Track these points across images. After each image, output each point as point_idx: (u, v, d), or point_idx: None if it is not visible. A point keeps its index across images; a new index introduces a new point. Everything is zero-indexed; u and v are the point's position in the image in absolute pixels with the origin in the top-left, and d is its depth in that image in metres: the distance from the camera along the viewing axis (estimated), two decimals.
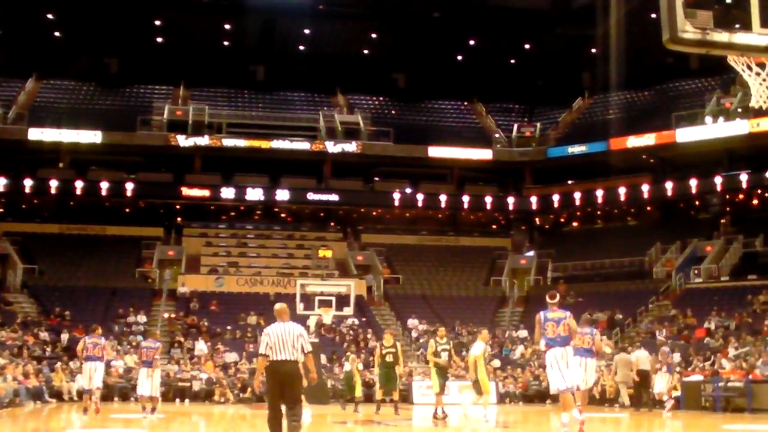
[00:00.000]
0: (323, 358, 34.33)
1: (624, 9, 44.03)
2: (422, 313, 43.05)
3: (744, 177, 45.22)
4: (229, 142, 48.74)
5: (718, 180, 45.75)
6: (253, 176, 49.55)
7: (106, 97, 53.63)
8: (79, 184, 47.11)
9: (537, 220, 53.60)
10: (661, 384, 26.01)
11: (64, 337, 36.35)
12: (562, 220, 53.81)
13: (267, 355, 11.58)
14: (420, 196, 50.35)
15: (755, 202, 48.18)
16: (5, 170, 46.70)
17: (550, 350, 14.13)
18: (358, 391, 26.35)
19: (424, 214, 52.32)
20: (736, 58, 9.94)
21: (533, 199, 51.47)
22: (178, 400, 32.23)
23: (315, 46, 53.76)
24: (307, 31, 52.78)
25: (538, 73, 56.48)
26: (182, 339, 37.58)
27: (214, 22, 51.42)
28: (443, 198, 50.65)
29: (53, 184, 46.95)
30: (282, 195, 49.31)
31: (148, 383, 21.65)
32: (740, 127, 44.09)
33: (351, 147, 49.73)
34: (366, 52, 54.92)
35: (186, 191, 48.45)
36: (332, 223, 52.24)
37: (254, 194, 48.96)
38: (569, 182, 51.38)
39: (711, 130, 45.34)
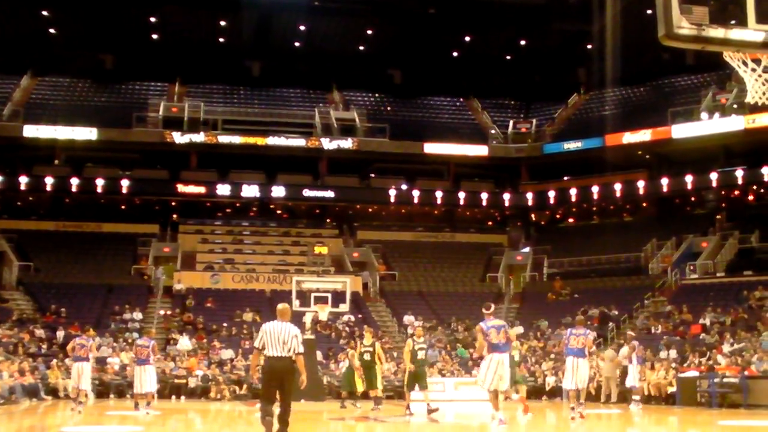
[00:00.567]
0: (319, 355, 34.31)
1: (620, 5, 44.00)
2: (418, 309, 43.05)
3: (740, 173, 45.31)
4: (224, 138, 48.72)
5: (713, 176, 45.79)
6: (248, 173, 49.46)
7: (101, 94, 53.53)
8: (74, 181, 47.01)
9: (533, 216, 53.60)
10: (632, 377, 25.93)
11: (60, 334, 36.26)
12: (558, 216, 53.84)
13: (261, 349, 12.32)
14: (416, 193, 50.36)
15: (751, 197, 48.25)
16: (0, 167, 46.62)
17: (493, 354, 15.51)
18: (360, 386, 26.35)
19: (420, 210, 52.35)
20: (732, 54, 9.93)
21: (529, 196, 51.44)
22: (174, 397, 32.16)
23: (311, 42, 53.69)
24: (302, 27, 52.70)
25: (534, 68, 56.46)
26: (178, 336, 37.49)
27: (209, 19, 51.32)
28: (439, 194, 50.74)
29: (49, 181, 46.85)
30: (278, 192, 49.26)
31: (143, 380, 21.95)
32: (736, 123, 44.11)
33: (347, 143, 49.76)
34: (362, 48, 54.86)
35: (182, 188, 48.37)
36: (328, 220, 52.26)
37: (250, 191, 48.92)
38: (565, 178, 51.43)
39: (707, 126, 45.39)
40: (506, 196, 51.65)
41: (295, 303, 31.20)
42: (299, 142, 49.47)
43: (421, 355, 21.52)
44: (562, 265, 47.59)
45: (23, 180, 46.64)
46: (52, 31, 51.60)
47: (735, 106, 44.43)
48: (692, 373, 28.15)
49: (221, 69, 54.55)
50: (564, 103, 55.81)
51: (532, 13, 49.67)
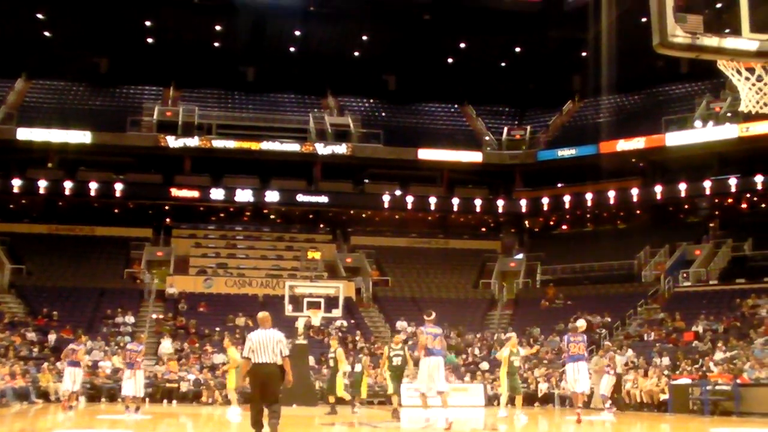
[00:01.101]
0: (311, 360, 34.27)
1: (615, 12, 44.05)
2: (411, 315, 42.62)
3: (733, 181, 45.37)
4: (218, 143, 48.65)
5: (707, 184, 45.91)
6: (242, 178, 49.45)
7: (95, 98, 53.48)
8: (68, 185, 47.01)
9: (526, 222, 53.55)
10: (605, 385, 25.91)
11: (52, 337, 36.22)
12: (551, 223, 53.84)
13: (249, 358, 13.12)
14: (410, 199, 50.29)
15: (744, 206, 48.31)
16: None
17: (430, 357, 16.89)
18: (364, 393, 26.49)
19: (413, 216, 52.19)
20: (726, 63, 9.95)
21: (523, 202, 51.47)
22: (165, 401, 32.09)
23: (305, 47, 53.62)
24: (297, 33, 52.64)
25: (529, 76, 56.44)
26: (171, 340, 37.41)
27: (204, 23, 51.21)
28: (433, 200, 50.67)
29: (42, 184, 46.80)
30: (271, 196, 49.25)
31: (131, 384, 22.27)
32: (730, 131, 44.18)
33: (341, 149, 49.70)
34: (356, 53, 54.81)
35: (175, 192, 48.30)
36: (322, 225, 52.18)
37: (244, 195, 48.89)
38: (559, 185, 51.38)
39: (701, 134, 45.47)
40: (500, 203, 51.66)
41: (288, 308, 31.19)
42: (293, 147, 49.41)
43: (396, 361, 22.23)
44: (556, 272, 47.56)
45: (16, 183, 46.56)
46: (46, 34, 51.50)
47: (729, 114, 44.51)
48: (684, 381, 28.14)
49: (216, 73, 54.51)
50: (558, 110, 55.82)
51: (527, 20, 49.67)
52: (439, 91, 56.92)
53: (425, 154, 50.58)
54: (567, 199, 50.03)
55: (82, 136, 47.00)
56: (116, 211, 50.00)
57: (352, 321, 41.44)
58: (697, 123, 46.07)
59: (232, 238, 49.65)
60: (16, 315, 38.93)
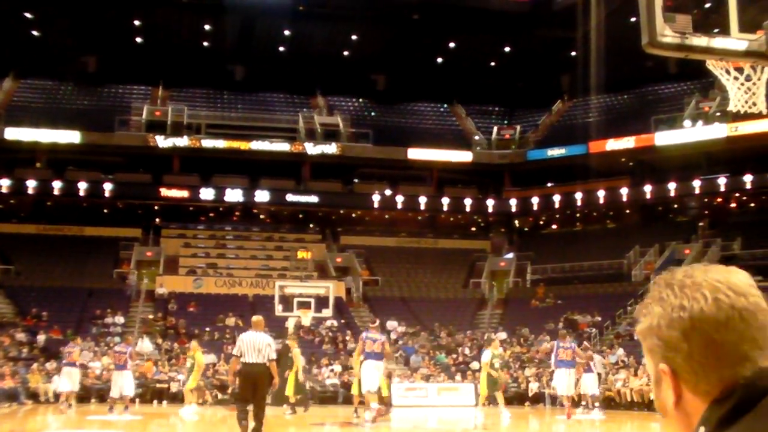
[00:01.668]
0: (302, 360, 34.19)
1: (603, 12, 44.08)
2: (401, 315, 43.01)
3: (722, 180, 45.51)
4: (208, 142, 48.58)
5: (696, 183, 46.00)
6: (232, 177, 49.31)
7: (84, 97, 53.28)
8: (56, 185, 46.86)
9: (516, 222, 53.64)
10: (589, 383, 26.09)
11: (41, 338, 36.16)
12: (541, 222, 53.95)
13: (239, 357, 14.25)
14: (399, 198, 50.25)
15: (733, 205, 48.48)
16: None
17: (368, 360, 19.03)
18: (385, 391, 26.75)
19: (403, 216, 52.21)
20: (715, 63, 10.00)
21: (513, 202, 51.50)
22: (155, 401, 32.05)
23: (295, 47, 53.52)
24: (287, 32, 52.55)
25: (518, 75, 56.34)
26: (160, 340, 37.39)
27: (193, 22, 51.10)
28: (423, 200, 50.62)
29: (30, 184, 46.69)
30: (261, 196, 49.22)
31: (120, 385, 22.85)
32: (719, 130, 44.27)
33: (330, 148, 49.69)
34: (346, 53, 54.76)
35: (165, 192, 48.20)
36: (311, 225, 52.12)
37: (233, 195, 48.85)
38: (549, 185, 51.37)
39: (690, 133, 45.55)
40: (490, 202, 51.65)
41: (278, 308, 31.39)
42: (283, 146, 49.36)
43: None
44: (546, 272, 47.56)
45: (4, 182, 46.42)
46: (35, 33, 51.34)
47: (718, 114, 44.59)
48: None
49: (205, 73, 54.28)
50: (548, 109, 55.84)
51: (517, 20, 49.70)
52: (429, 91, 56.76)
53: (415, 153, 50.55)
54: (557, 198, 50.04)
55: (70, 136, 46.90)
56: (105, 210, 49.87)
57: (342, 321, 41.42)
58: (687, 123, 46.16)
59: (222, 237, 49.59)
60: (5, 315, 38.83)
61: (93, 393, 31.71)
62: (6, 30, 50.09)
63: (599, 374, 27.52)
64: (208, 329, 39.18)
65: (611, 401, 28.87)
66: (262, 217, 52.37)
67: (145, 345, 36.33)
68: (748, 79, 10.13)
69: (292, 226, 51.61)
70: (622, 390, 29.89)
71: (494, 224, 53.39)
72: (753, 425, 1.39)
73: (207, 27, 51.90)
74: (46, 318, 38.48)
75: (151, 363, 34.45)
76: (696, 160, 45.84)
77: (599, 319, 40.70)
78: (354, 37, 53.47)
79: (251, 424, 14.29)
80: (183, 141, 48.26)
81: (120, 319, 39.18)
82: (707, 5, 9.86)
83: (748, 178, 44.50)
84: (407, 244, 51.24)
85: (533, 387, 33.86)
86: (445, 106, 58.05)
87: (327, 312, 33.33)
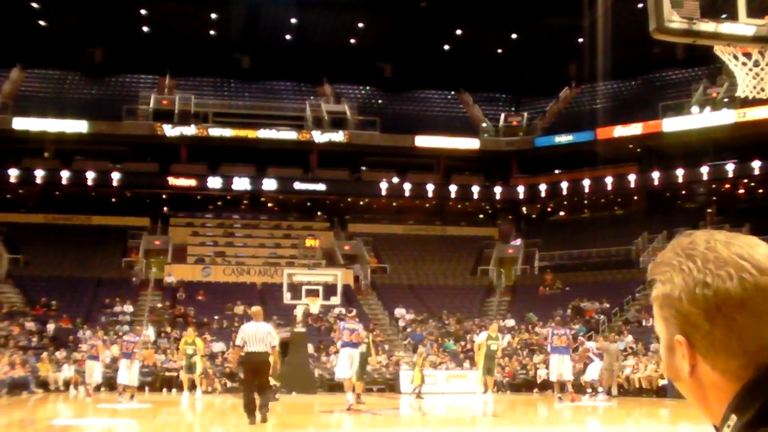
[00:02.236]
0: (310, 348, 34.31)
1: None
2: (409, 302, 43.06)
3: (730, 167, 45.45)
4: (215, 131, 48.64)
5: (704, 170, 45.92)
6: (239, 166, 49.32)
7: (91, 87, 53.25)
8: (64, 174, 46.97)
9: (524, 209, 53.57)
10: (593, 371, 26.25)
11: (50, 327, 36.25)
12: (548, 209, 53.86)
13: (241, 346, 15.12)
14: (407, 186, 50.28)
15: (741, 191, 48.35)
16: None
17: (345, 348, 20.04)
18: (417, 380, 27.68)
19: (411, 203, 52.26)
20: (723, 48, 9.97)
21: (520, 189, 51.48)
22: (165, 389, 32.13)
23: (301, 35, 53.50)
24: (293, 21, 52.49)
25: (525, 62, 56.28)
26: (169, 329, 37.47)
27: (199, 11, 51.09)
28: (430, 187, 50.67)
29: (39, 173, 46.79)
30: (269, 184, 49.25)
31: (127, 374, 23.24)
32: (726, 116, 44.13)
33: (338, 136, 49.66)
34: (352, 41, 54.69)
35: (172, 181, 48.30)
36: (319, 213, 52.14)
37: (241, 184, 48.91)
38: (556, 172, 51.33)
39: (697, 119, 45.45)
40: (497, 190, 51.64)
41: (287, 296, 31.30)
42: (290, 134, 49.35)
43: (361, 348, 22.93)
44: (553, 258, 47.50)
45: (13, 172, 46.56)
46: (41, 23, 51.37)
47: (726, 100, 44.46)
48: None
49: (211, 62, 54.24)
50: (555, 96, 55.67)
51: (524, 8, 49.59)
52: (436, 79, 56.68)
53: (422, 141, 50.51)
54: (564, 185, 50.10)
55: (78, 126, 46.96)
56: (113, 200, 49.94)
57: (351, 308, 41.18)
58: (694, 109, 46.02)
59: (230, 226, 49.53)
60: (15, 305, 38.93)
61: (103, 381, 31.76)
62: (13, 20, 50.14)
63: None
64: (216, 317, 39.23)
65: (620, 388, 28.84)
66: (269, 205, 52.32)
67: (149, 333, 36.36)
68: (756, 64, 10.10)
69: (300, 214, 51.59)
70: (631, 376, 29.88)
71: (502, 211, 53.35)
72: None
73: (213, 16, 51.90)
74: (56, 307, 38.61)
75: (151, 351, 34.48)
76: (704, 147, 45.65)
77: (607, 305, 40.66)
78: (360, 25, 53.42)
79: (257, 411, 15.03)
80: (190, 130, 48.31)
81: (129, 308, 39.25)
82: None
83: (756, 164, 44.42)
84: (415, 231, 51.28)
85: (542, 374, 33.84)
86: (453, 93, 57.92)
87: (335, 300, 33.28)
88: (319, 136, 49.52)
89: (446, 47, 55.40)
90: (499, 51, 56.24)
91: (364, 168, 51.75)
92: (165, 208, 49.69)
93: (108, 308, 39.26)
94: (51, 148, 48.65)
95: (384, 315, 42.50)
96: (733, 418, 1.42)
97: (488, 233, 51.85)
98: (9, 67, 52.12)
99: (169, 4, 50.14)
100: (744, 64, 10.07)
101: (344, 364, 20.14)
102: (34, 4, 49.64)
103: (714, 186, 48.02)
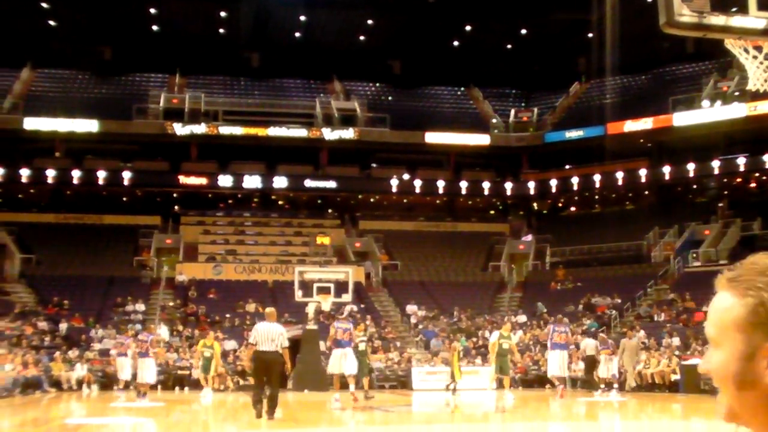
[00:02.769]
0: (322, 345, 34.27)
1: None
2: (421, 299, 43.03)
3: (741, 160, 45.29)
4: (225, 129, 48.67)
5: (715, 164, 45.76)
6: (250, 164, 49.35)
7: (101, 86, 53.34)
8: (75, 173, 47.02)
9: (535, 205, 53.56)
10: (611, 367, 26.25)
11: (63, 326, 36.33)
12: (559, 204, 53.83)
13: (254, 344, 15.80)
14: (417, 183, 50.26)
15: (753, 185, 48.20)
16: (1, 160, 46.41)
17: (337, 348, 21.15)
18: (458, 376, 27.29)
19: (421, 200, 52.34)
20: (733, 42, 9.94)
21: (531, 184, 51.42)
22: (177, 388, 32.18)
23: (310, 32, 53.45)
24: (302, 18, 52.48)
25: (535, 58, 56.09)
26: (181, 327, 37.53)
27: (209, 10, 51.04)
28: (441, 184, 50.68)
29: (50, 173, 46.90)
30: (279, 182, 49.26)
31: (140, 372, 23.63)
32: (737, 110, 43.99)
33: (348, 134, 49.70)
34: (362, 38, 54.61)
35: (183, 179, 48.39)
36: (330, 210, 52.17)
37: (251, 182, 48.94)
38: (567, 167, 51.20)
39: (708, 113, 45.32)
40: (508, 185, 51.60)
41: (298, 293, 31.31)
42: (300, 132, 49.43)
43: (362, 346, 24.30)
44: (565, 254, 47.46)
45: (24, 172, 46.66)
46: (51, 23, 51.43)
47: (736, 93, 44.30)
48: (695, 361, 28.14)
49: (221, 60, 54.27)
50: (565, 91, 55.58)
51: (532, 2, 49.49)
52: (445, 75, 56.60)
53: (432, 137, 50.51)
54: (575, 180, 49.97)
55: (88, 125, 47.08)
56: (124, 199, 50.08)
57: (362, 306, 41.30)
58: (705, 103, 45.90)
59: (241, 224, 49.59)
60: (27, 304, 39.01)
61: (116, 380, 31.82)
62: (22, 20, 50.22)
63: (591, 356, 27.80)
64: (228, 316, 39.22)
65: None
66: (280, 203, 52.33)
67: (162, 332, 36.37)
68: (767, 57, 10.07)
69: (311, 211, 51.65)
70: (644, 372, 29.82)
71: (512, 207, 53.32)
72: None
73: (222, 14, 51.88)
74: (68, 306, 38.64)
75: (162, 349, 34.53)
76: (715, 141, 45.48)
77: (619, 301, 40.55)
78: (370, 22, 53.37)
79: (266, 406, 15.73)
80: (200, 128, 48.40)
81: (141, 307, 39.25)
82: None
83: (767, 158, 44.20)
84: (426, 228, 51.23)
85: None
86: (462, 89, 57.84)
87: (347, 297, 33.05)
88: (329, 134, 49.55)
89: (455, 43, 55.31)
90: (509, 46, 56.09)
91: (374, 165, 51.81)
92: (176, 207, 49.68)
93: (120, 307, 39.26)
94: (62, 147, 48.77)
95: (395, 312, 42.50)
96: None
97: (499, 229, 51.81)
98: (19, 67, 52.20)
99: (178, 3, 50.16)
100: (755, 57, 10.05)
101: (338, 361, 21.20)
102: (44, 4, 49.67)
103: (725, 180, 47.91)
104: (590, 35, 49.35)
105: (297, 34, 53.98)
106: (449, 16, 51.42)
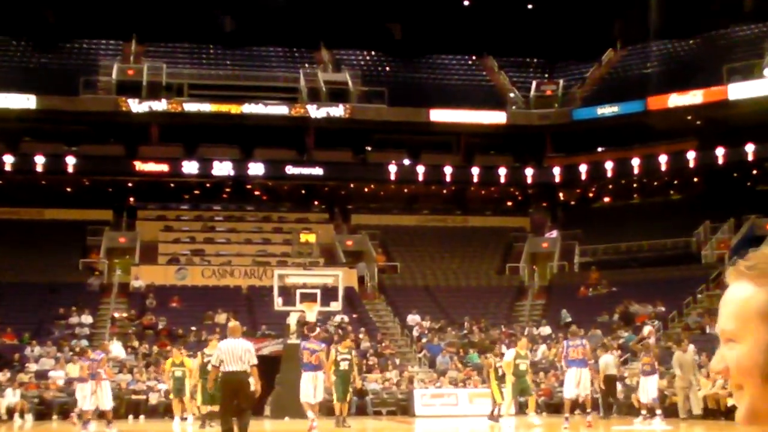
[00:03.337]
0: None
1: None
2: (425, 307, 42.90)
3: None
4: (191, 106, 48.57)
5: None
6: (220, 147, 49.58)
7: (42, 55, 53.05)
8: (8, 159, 46.61)
9: (561, 195, 53.57)
10: (650, 388, 25.67)
11: None
12: (590, 194, 53.82)
13: (218, 366, 16.18)
14: (421, 169, 50.31)
15: None
16: None
17: (304, 372, 22.08)
18: (498, 398, 26.51)
19: (425, 190, 52.52)
20: None
21: (556, 171, 51.34)
22: (131, 416, 31.64)
23: None
24: None
25: (561, 20, 55.88)
26: (136, 343, 36.86)
27: None
28: (448, 170, 50.58)
29: None
30: (256, 169, 49.32)
31: (94, 398, 23.55)
32: None
33: (338, 111, 49.46)
34: None
35: (140, 166, 48.33)
36: (316, 202, 52.33)
37: (222, 169, 48.98)
38: (599, 150, 51.38)
39: None
40: (528, 172, 51.56)
41: (278, 301, 31.63)
42: (281, 110, 49.33)
43: (343, 365, 24.55)
44: (597, 253, 47.41)
45: None
46: None
47: None
48: None
49: (187, 24, 54.16)
50: (597, 60, 55.49)
51: None
52: (454, 41, 56.55)
53: (438, 115, 50.36)
54: (609, 165, 49.77)
55: (25, 101, 46.61)
56: (69, 189, 49.94)
57: (355, 316, 41.20)
58: (767, 71, 45.50)
59: (210, 219, 49.68)
60: None
61: (55, 408, 31.26)
62: None
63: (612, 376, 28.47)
64: (194, 329, 38.60)
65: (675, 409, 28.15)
66: (257, 194, 52.40)
67: (115, 349, 35.57)
68: None
69: (294, 204, 51.81)
70: (692, 395, 28.99)
71: (534, 198, 53.38)
72: None
73: None
74: None
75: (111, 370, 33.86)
76: None
77: (663, 309, 40.26)
78: None
79: None
80: (161, 105, 48.22)
81: (87, 319, 38.78)
82: None
83: None
84: (431, 222, 51.31)
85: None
86: (474, 58, 57.88)
87: (336, 305, 33.33)
88: (315, 111, 49.43)
89: (466, 3, 55.42)
90: (530, 7, 56.42)
91: (369, 148, 51.96)
92: (131, 199, 49.81)
93: (62, 319, 38.81)
94: None
95: (394, 323, 42.33)
96: None
97: (518, 224, 52.01)
98: None
99: None
100: None
101: (307, 388, 22.12)
102: None
103: None
104: None
105: None
106: None
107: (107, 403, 23.86)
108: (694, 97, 46.97)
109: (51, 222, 46.49)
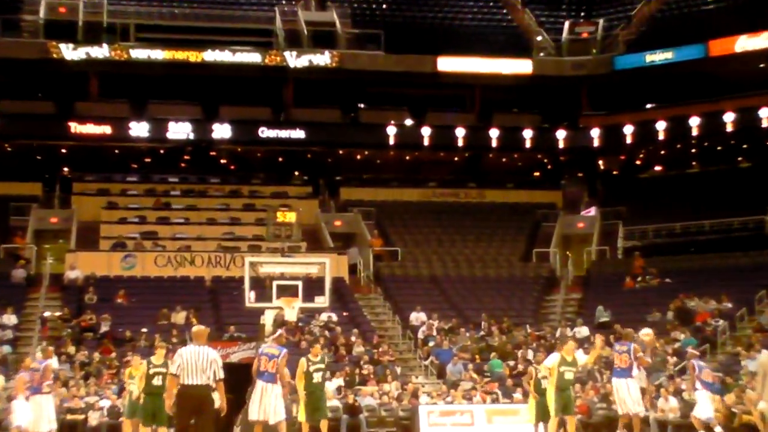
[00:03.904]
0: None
1: None
2: (431, 302, 42.68)
3: None
4: (140, 53, 48.71)
5: None
6: (177, 104, 49.97)
7: None
8: None
9: (600, 163, 54.00)
10: (705, 407, 25.22)
11: None
12: (637, 162, 54.01)
13: (178, 375, 15.53)
14: (426, 131, 50.44)
15: None
16: None
17: (258, 382, 21.04)
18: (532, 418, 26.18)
19: (432, 157, 52.78)
20: None
21: (594, 133, 51.45)
22: None
23: None
24: None
25: None
26: (72, 349, 36.38)
27: None
28: (460, 133, 50.69)
29: None
30: (221, 131, 49.45)
31: (33, 416, 23.26)
32: None
33: (323, 59, 49.70)
34: None
35: (76, 127, 48.39)
36: (297, 173, 52.73)
37: (180, 131, 49.13)
38: (648, 107, 51.65)
39: None
40: (560, 134, 51.69)
41: (249, 296, 31.52)
42: (253, 57, 49.55)
43: (317, 378, 23.51)
44: (645, 236, 47.58)
45: None
46: None
47: None
48: None
49: None
50: None
51: None
52: None
53: (448, 64, 50.56)
54: (661, 126, 49.83)
55: None
56: None
57: (345, 314, 41.12)
58: None
59: (164, 194, 49.62)
60: None
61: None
62: None
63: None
64: (145, 330, 38.24)
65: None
66: (223, 162, 52.76)
67: (52, 362, 35.24)
68: None
69: (269, 175, 52.07)
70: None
71: (567, 167, 53.69)
72: None
73: None
74: None
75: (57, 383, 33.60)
76: None
77: (729, 305, 39.87)
78: None
79: None
80: (102, 51, 48.30)
81: (11, 319, 38.42)
82: None
83: None
84: (439, 198, 51.66)
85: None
86: None
87: (322, 301, 32.93)
88: (294, 60, 49.66)
89: None
90: None
91: (362, 105, 52.42)
92: (65, 169, 50.02)
93: None
94: None
95: (393, 322, 42.10)
96: None
97: (547, 199, 52.33)
98: None
99: None
100: None
101: (259, 402, 21.04)
102: None
103: None
104: None
105: None
106: None
107: (50, 422, 23.64)
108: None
109: None
